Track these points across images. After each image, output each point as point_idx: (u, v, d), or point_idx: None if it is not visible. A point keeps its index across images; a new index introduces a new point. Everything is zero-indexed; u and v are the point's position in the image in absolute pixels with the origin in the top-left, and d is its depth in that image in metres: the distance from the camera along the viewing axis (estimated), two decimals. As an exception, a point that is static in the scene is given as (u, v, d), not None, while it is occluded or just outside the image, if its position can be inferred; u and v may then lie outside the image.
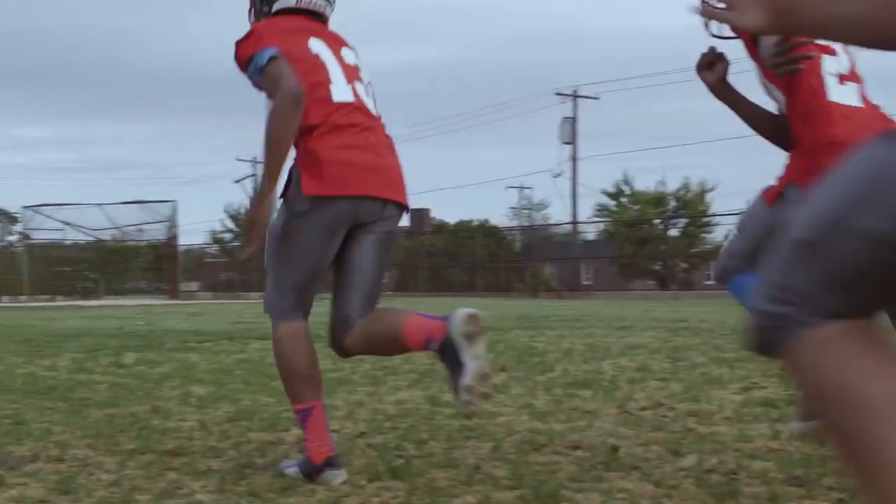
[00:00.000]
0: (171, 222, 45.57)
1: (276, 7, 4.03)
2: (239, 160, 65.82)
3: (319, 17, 4.11)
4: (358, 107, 3.94)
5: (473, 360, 3.62)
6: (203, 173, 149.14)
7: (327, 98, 3.87)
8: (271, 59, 3.74)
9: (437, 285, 43.20)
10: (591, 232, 50.11)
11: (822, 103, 3.75)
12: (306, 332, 3.98)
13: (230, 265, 53.97)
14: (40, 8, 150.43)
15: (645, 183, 77.16)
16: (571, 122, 49.08)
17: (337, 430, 5.00)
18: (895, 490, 1.64)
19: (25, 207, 44.28)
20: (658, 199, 49.64)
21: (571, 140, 48.72)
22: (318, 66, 3.89)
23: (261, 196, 3.87)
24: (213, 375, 7.82)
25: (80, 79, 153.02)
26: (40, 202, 44.73)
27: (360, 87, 4.00)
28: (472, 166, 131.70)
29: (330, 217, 3.86)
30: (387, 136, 4.05)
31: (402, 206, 4.05)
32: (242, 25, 4.15)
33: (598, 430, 4.99)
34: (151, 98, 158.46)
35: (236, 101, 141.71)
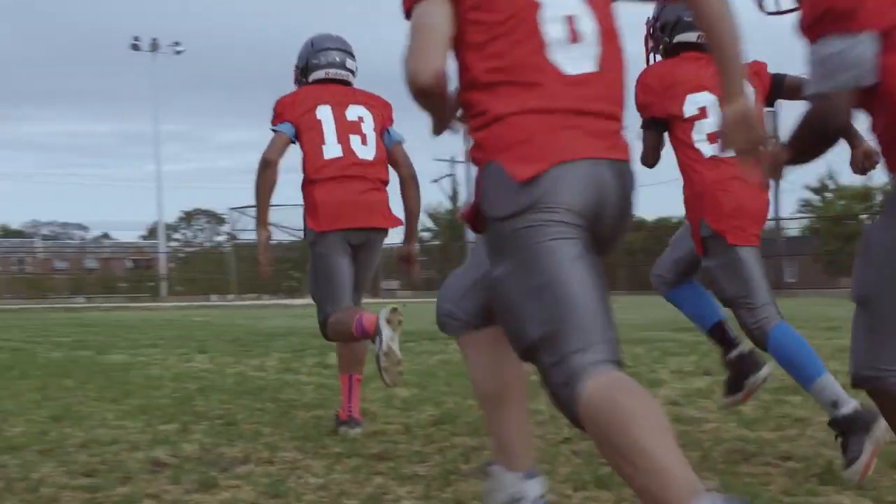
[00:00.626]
0: (372, 222, 46.33)
1: (311, 78, 5.44)
2: (437, 160, 66.35)
3: (344, 82, 5.46)
4: (347, 161, 5.25)
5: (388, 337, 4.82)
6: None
7: (320, 156, 5.25)
8: (274, 131, 5.31)
9: (637, 283, 42.72)
10: (794, 228, 48.77)
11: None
12: (341, 318, 5.14)
13: (430, 263, 54.62)
14: (241, 14, 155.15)
15: (851, 177, 74.48)
16: (772, 115, 47.83)
17: (540, 436, 4.97)
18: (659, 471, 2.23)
19: (232, 209, 45.78)
20: (865, 194, 47.84)
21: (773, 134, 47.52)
22: (317, 131, 5.27)
23: (257, 229, 5.64)
24: (416, 377, 7.88)
25: (280, 83, 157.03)
26: (246, 204, 46.12)
27: (354, 140, 5.29)
28: (674, 161, 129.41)
29: (330, 244, 5.25)
30: (376, 175, 5.34)
31: (383, 229, 5.45)
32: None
33: (810, 440, 4.82)
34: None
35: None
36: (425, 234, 64.79)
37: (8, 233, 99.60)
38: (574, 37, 2.55)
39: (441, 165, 67.45)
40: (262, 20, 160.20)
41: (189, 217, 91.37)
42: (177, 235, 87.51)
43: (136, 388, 7.45)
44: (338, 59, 5.47)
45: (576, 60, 2.54)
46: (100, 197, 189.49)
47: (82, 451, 4.87)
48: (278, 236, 48.55)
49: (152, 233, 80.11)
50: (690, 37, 4.35)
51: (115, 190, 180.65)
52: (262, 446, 4.90)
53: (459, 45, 2.63)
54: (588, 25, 2.57)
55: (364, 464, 4.44)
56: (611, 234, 2.58)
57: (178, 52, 55.48)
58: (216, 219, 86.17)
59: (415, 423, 5.56)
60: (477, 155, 2.59)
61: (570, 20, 2.55)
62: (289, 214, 46.22)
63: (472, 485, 3.98)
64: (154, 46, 54.70)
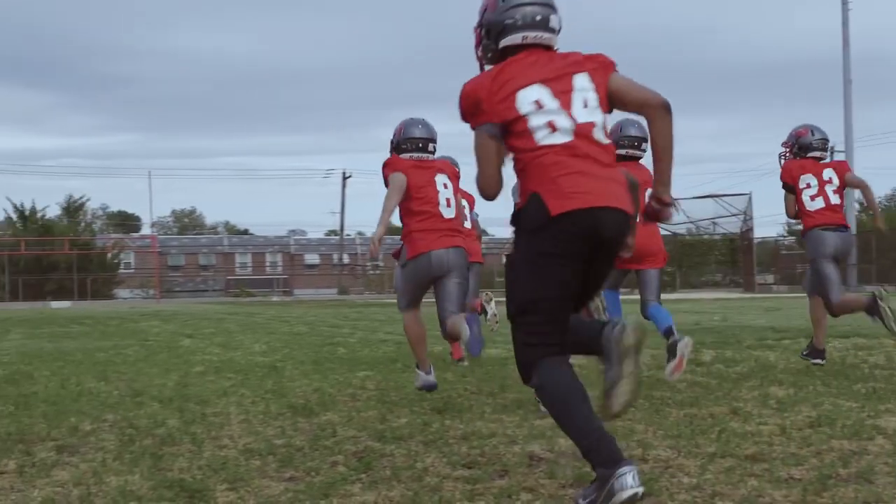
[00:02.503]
0: (746, 215, 45.43)
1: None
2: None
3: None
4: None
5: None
6: (776, 165, 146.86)
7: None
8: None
9: None
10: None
11: None
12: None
13: (797, 258, 52.85)
14: (625, 8, 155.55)
15: None
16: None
17: (926, 442, 4.73)
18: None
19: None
20: None
21: None
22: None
23: None
24: (792, 376, 7.69)
25: (649, 76, 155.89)
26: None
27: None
28: None
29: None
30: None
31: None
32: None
33: None
34: (723, 91, 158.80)
35: (805, 90, 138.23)
36: (801, 227, 62.57)
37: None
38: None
39: (818, 155, 64.55)
40: (624, 14, 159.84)
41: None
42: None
43: (512, 383, 7.65)
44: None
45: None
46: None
47: (463, 443, 5.08)
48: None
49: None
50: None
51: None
52: (634, 444, 4.94)
53: None
54: None
55: (738, 465, 4.39)
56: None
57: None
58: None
59: (790, 424, 5.42)
60: None
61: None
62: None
63: (851, 490, 3.86)
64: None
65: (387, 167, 6.96)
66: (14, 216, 62.08)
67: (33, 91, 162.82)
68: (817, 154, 8.53)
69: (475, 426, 5.59)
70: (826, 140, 8.64)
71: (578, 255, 3.73)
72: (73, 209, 66.34)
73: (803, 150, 8.54)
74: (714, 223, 47.56)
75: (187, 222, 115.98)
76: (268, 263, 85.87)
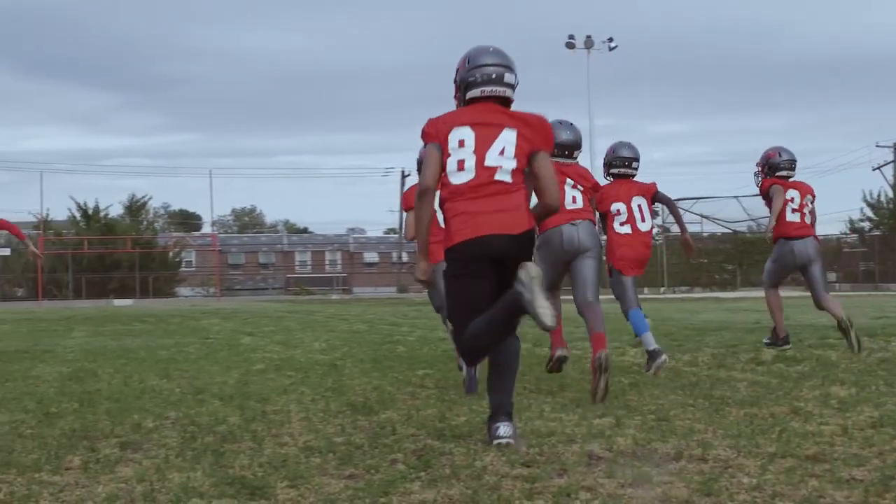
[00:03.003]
0: (808, 212, 44.87)
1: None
2: (878, 146, 63.13)
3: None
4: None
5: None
6: (840, 161, 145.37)
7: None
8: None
9: None
10: None
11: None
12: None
13: (869, 255, 52.23)
14: (675, 5, 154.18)
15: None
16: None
17: None
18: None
19: (664, 202, 45.69)
20: None
21: None
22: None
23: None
24: (854, 376, 7.61)
25: (715, 74, 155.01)
26: (677, 196, 46.02)
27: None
28: None
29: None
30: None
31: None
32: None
33: None
34: (785, 87, 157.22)
35: (875, 86, 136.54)
36: (865, 224, 61.82)
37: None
38: None
39: (884, 152, 63.92)
40: (695, 11, 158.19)
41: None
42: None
43: (571, 382, 7.66)
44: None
45: None
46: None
47: (521, 442, 5.08)
48: (710, 228, 48.21)
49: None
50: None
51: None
52: (694, 443, 4.91)
53: None
54: None
55: (798, 465, 4.36)
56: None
57: (612, 49, 56.01)
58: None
59: (852, 424, 5.36)
60: None
61: None
62: (721, 206, 45.82)
63: None
64: (588, 44, 55.59)
65: (405, 203, 7.62)
66: (77, 215, 62.88)
67: (96, 92, 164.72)
68: (784, 173, 9.84)
69: (534, 425, 5.59)
70: (793, 160, 9.96)
71: (479, 271, 5.10)
72: (135, 208, 67.05)
73: (773, 170, 9.85)
74: (775, 221, 47.06)
75: (247, 221, 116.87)
76: (327, 262, 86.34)
